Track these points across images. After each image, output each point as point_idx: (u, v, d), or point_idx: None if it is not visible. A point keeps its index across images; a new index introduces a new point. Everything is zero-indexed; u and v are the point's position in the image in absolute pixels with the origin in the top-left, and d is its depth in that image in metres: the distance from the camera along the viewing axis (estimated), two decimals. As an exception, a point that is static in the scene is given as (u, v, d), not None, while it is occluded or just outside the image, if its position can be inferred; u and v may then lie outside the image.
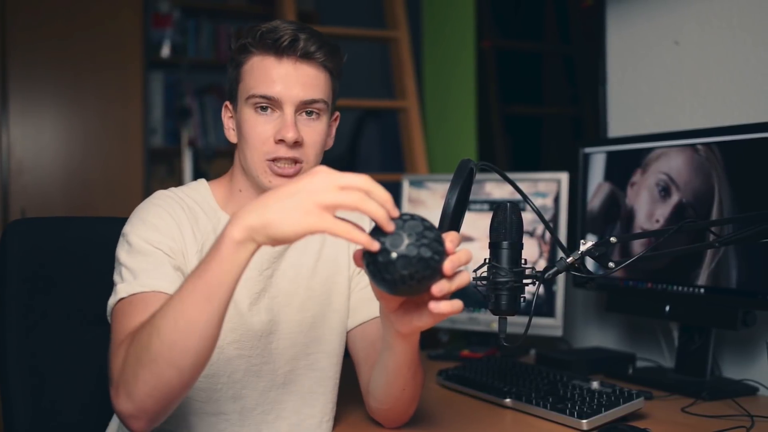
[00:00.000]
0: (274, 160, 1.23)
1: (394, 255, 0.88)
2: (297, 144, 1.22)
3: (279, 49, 1.21)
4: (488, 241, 1.13)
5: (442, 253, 0.91)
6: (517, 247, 1.11)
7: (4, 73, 3.38)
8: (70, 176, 3.49)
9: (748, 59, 1.70)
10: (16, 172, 3.40)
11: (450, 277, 0.93)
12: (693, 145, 1.63)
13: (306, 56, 1.22)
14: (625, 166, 1.78)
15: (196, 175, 3.84)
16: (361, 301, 1.36)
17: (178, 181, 3.87)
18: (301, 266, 1.33)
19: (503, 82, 2.61)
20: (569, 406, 1.34)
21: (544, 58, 2.53)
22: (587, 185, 1.88)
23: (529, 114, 2.58)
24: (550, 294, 1.91)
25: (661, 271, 1.68)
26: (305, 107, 1.23)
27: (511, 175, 1.19)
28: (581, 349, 2.02)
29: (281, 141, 1.21)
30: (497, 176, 1.27)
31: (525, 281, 1.11)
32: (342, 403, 1.40)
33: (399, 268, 0.88)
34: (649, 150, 1.72)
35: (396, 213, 0.90)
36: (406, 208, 2.17)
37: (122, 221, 1.24)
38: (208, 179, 1.35)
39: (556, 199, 1.92)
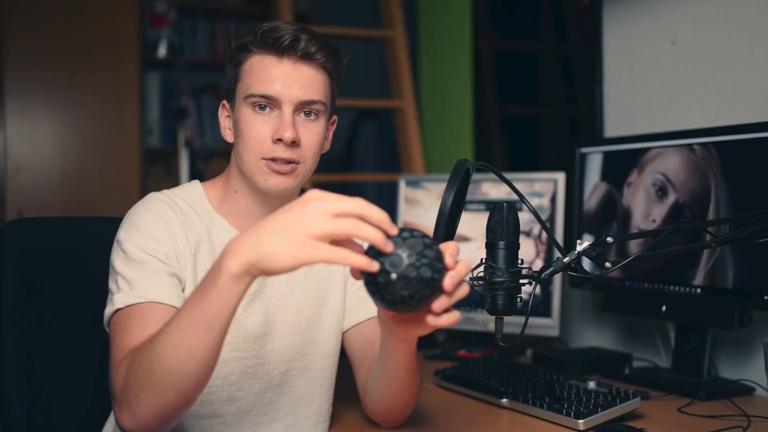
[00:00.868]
0: (271, 159, 1.22)
1: (393, 276, 0.85)
2: (294, 144, 1.22)
3: (280, 48, 1.21)
4: (485, 241, 1.13)
5: (442, 271, 0.88)
6: (514, 247, 1.11)
7: (0, 72, 3.37)
8: (66, 176, 3.49)
9: (744, 59, 1.70)
10: (13, 172, 3.40)
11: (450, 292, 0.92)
12: (689, 145, 1.63)
13: (306, 57, 1.22)
14: (621, 166, 1.78)
15: (193, 176, 3.84)
16: (357, 301, 1.36)
17: (175, 181, 3.87)
18: (296, 267, 1.32)
19: (500, 82, 2.61)
20: (566, 406, 1.34)
21: (541, 58, 2.53)
22: (584, 185, 1.88)
23: (526, 114, 2.57)
24: (546, 294, 1.91)
25: (657, 271, 1.68)
26: (304, 107, 1.23)
27: (508, 175, 1.19)
28: (578, 349, 2.02)
29: (279, 140, 1.21)
30: (494, 176, 1.27)
31: (522, 281, 1.12)
32: (338, 404, 1.40)
33: (399, 289, 0.86)
34: (646, 150, 1.72)
35: (394, 231, 0.88)
36: (403, 208, 2.17)
37: (119, 221, 1.24)
38: (204, 179, 1.35)
39: (553, 199, 1.92)
